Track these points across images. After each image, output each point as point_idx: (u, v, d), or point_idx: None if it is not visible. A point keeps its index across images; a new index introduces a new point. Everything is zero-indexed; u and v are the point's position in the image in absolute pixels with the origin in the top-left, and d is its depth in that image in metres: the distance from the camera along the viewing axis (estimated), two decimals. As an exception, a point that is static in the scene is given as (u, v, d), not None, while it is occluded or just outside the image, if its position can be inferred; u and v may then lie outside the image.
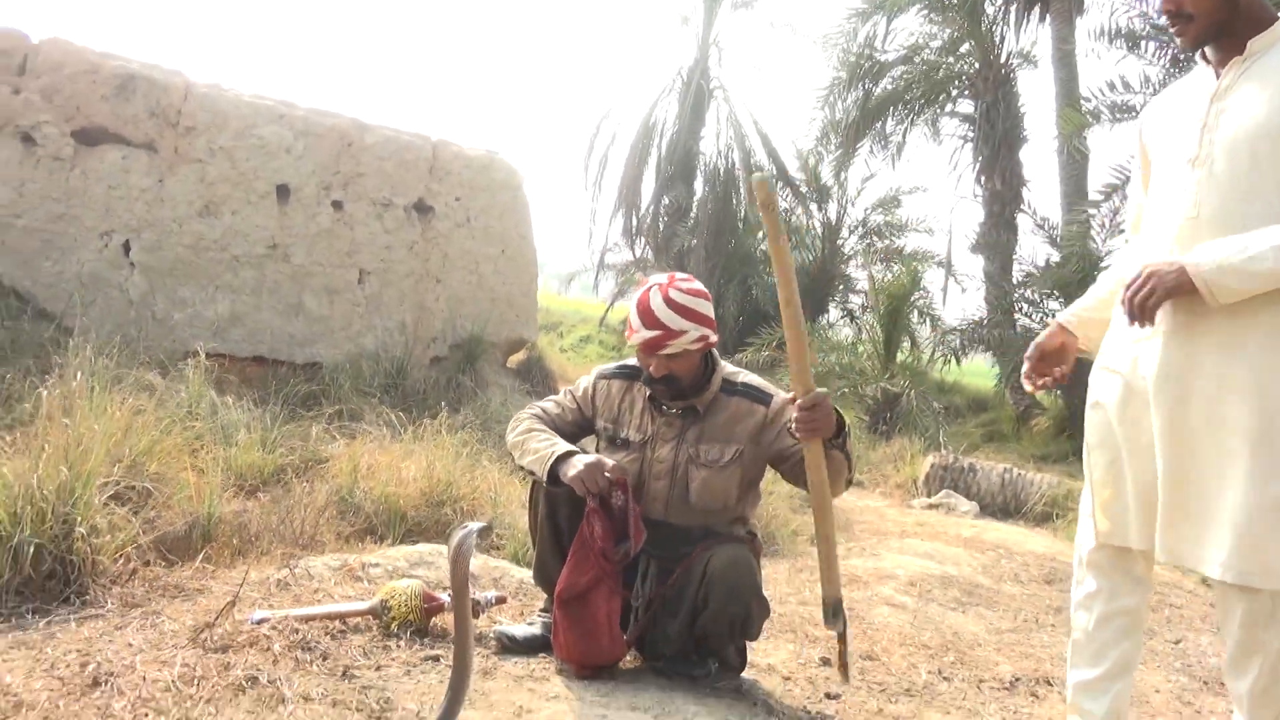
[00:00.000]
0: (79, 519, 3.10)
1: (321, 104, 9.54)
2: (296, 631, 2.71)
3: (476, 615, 3.00)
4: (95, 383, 4.21)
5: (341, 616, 2.89)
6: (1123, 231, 9.41)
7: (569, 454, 2.64)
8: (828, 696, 2.91)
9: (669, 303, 2.69)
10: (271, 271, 7.94)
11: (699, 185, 19.30)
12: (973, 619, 4.53)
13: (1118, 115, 11.77)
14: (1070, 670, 2.42)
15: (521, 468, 2.81)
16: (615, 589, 2.65)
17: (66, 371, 4.25)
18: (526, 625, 2.93)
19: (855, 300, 19.51)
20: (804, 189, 18.62)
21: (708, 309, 2.77)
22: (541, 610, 2.97)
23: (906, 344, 12.92)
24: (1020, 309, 13.60)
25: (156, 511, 3.94)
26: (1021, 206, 14.05)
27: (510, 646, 2.82)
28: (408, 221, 8.97)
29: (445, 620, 3.01)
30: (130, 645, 2.62)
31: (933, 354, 13.60)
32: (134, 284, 7.36)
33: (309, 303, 8.20)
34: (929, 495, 8.79)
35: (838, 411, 2.52)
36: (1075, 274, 11.42)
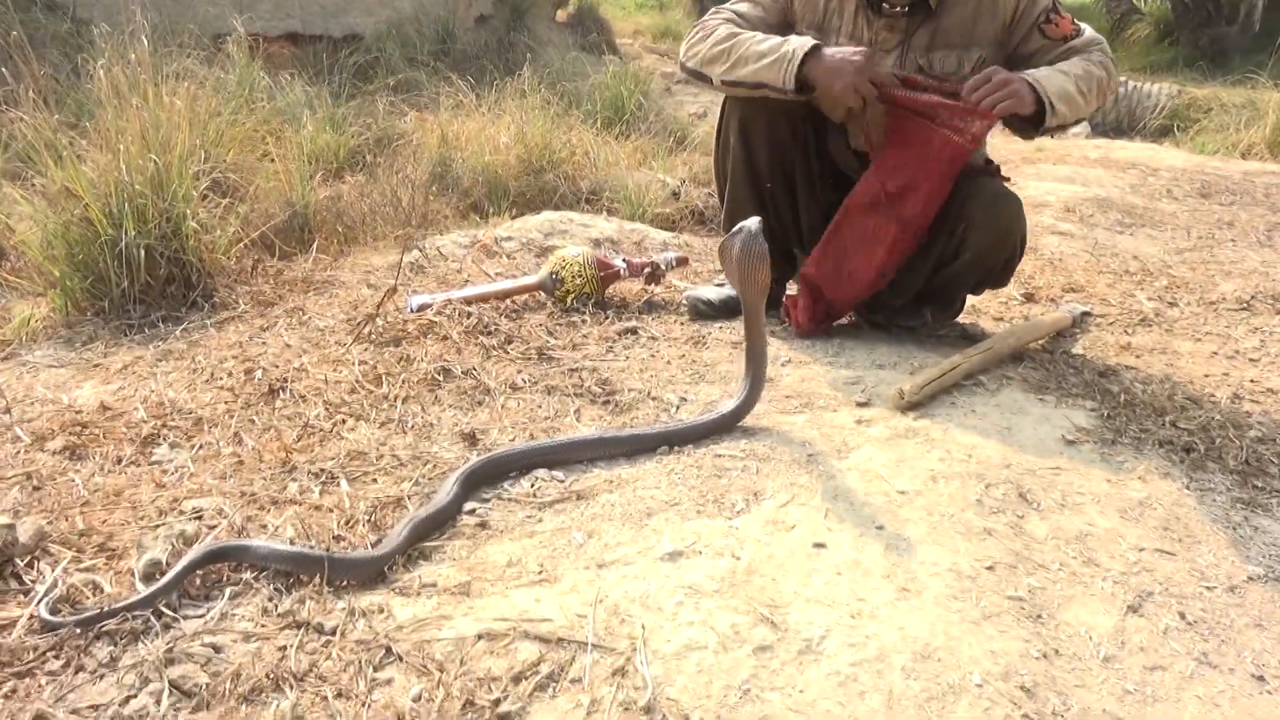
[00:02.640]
0: (185, 214, 2.69)
1: None
2: (468, 315, 2.37)
3: (658, 280, 2.62)
4: (140, 73, 3.63)
5: (508, 295, 2.54)
6: None
7: (816, 48, 2.05)
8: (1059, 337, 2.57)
9: None
10: (286, -73, 6.89)
11: None
12: (1145, 241, 4.11)
13: None
14: None
15: (732, 83, 2.16)
16: (890, 221, 2.16)
17: (106, 62, 3.66)
18: (716, 287, 2.55)
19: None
20: None
21: None
22: None
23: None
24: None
25: (249, 205, 3.52)
26: None
27: (706, 311, 2.46)
28: None
29: (621, 289, 2.64)
30: (290, 346, 2.31)
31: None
32: (140, -43, 6.42)
33: (335, -37, 7.20)
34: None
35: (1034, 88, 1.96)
36: None
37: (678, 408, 1.90)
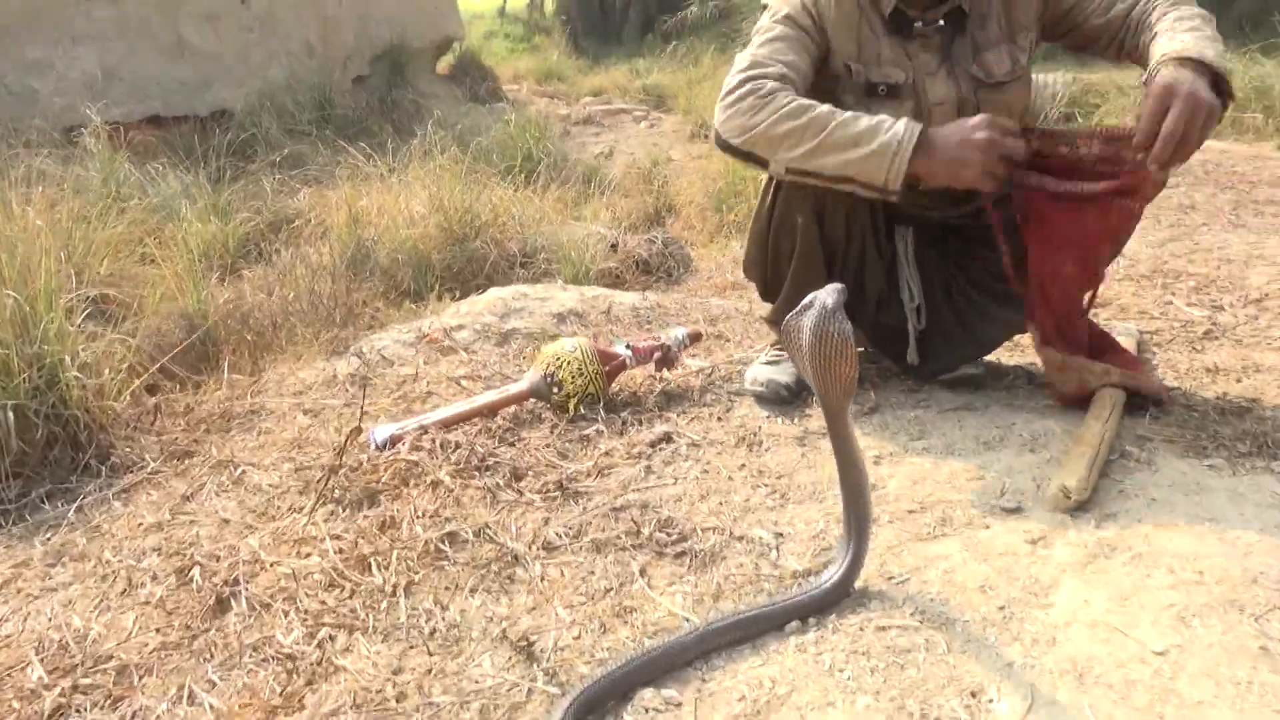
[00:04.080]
0: (60, 358, 2.12)
1: None
2: (453, 445, 1.87)
3: (671, 365, 2.17)
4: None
5: (494, 409, 2.04)
6: None
7: (924, 133, 1.59)
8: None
9: None
10: (133, 5, 6.24)
11: None
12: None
13: None
14: None
15: (802, 172, 1.66)
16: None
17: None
18: (772, 364, 2.07)
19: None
20: None
21: None
22: (774, 345, 2.13)
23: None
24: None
25: (137, 324, 2.92)
26: None
27: (786, 398, 1.99)
28: (281, -95, 7.15)
29: (625, 380, 2.18)
30: (228, 522, 1.77)
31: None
32: (-35, 50, 5.72)
33: (190, 36, 6.57)
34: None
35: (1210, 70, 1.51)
36: None
37: (776, 549, 1.44)
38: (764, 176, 1.93)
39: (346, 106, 7.30)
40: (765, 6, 1.89)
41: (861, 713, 1.06)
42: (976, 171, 1.57)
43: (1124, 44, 1.79)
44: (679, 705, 1.13)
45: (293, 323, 3.23)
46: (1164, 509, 1.41)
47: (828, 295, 1.28)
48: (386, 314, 3.30)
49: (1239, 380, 2.04)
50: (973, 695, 1.06)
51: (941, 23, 1.81)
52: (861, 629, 1.20)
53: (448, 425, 1.97)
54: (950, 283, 2.04)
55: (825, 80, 1.85)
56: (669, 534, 1.51)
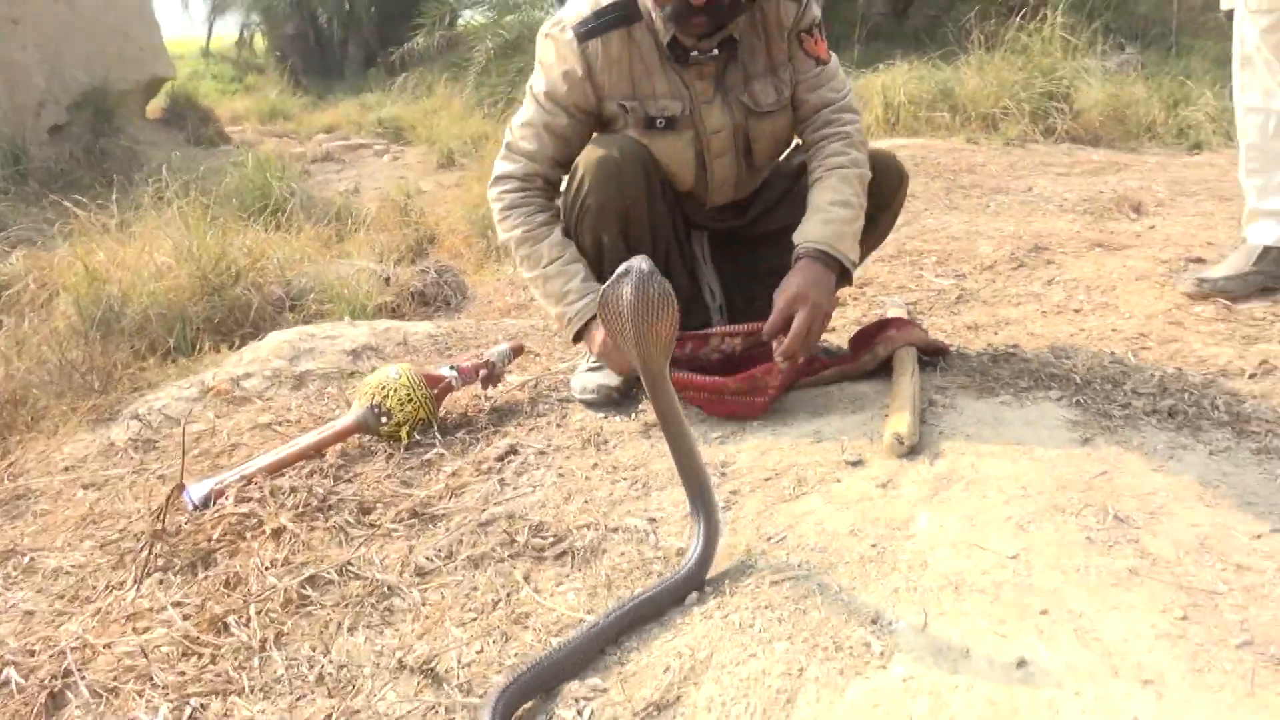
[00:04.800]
0: None
1: None
2: (287, 492, 1.76)
3: (496, 381, 2.16)
4: None
5: (320, 449, 1.94)
6: None
7: (590, 321, 1.88)
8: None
9: None
10: None
11: None
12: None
13: None
14: None
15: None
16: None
17: None
18: (596, 369, 2.09)
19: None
20: None
21: None
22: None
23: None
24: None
25: None
26: None
27: (616, 399, 2.03)
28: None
29: (454, 404, 2.14)
30: (33, 614, 1.55)
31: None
32: None
33: None
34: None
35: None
36: None
37: (654, 533, 1.49)
38: (560, 202, 2.01)
39: (46, 158, 6.58)
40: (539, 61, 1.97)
41: (782, 656, 1.12)
42: (614, 369, 1.95)
43: (804, 138, 2.03)
44: (605, 691, 1.14)
45: (36, 395, 2.87)
46: (979, 442, 1.60)
47: (641, 261, 1.34)
48: (153, 374, 3.01)
49: (995, 333, 2.35)
50: (873, 622, 1.16)
51: (716, 51, 1.91)
52: (758, 587, 1.28)
53: (272, 471, 1.85)
54: (744, 283, 2.20)
55: (606, 118, 1.96)
56: (544, 538, 1.51)
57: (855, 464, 1.58)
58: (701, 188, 2.03)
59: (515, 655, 1.25)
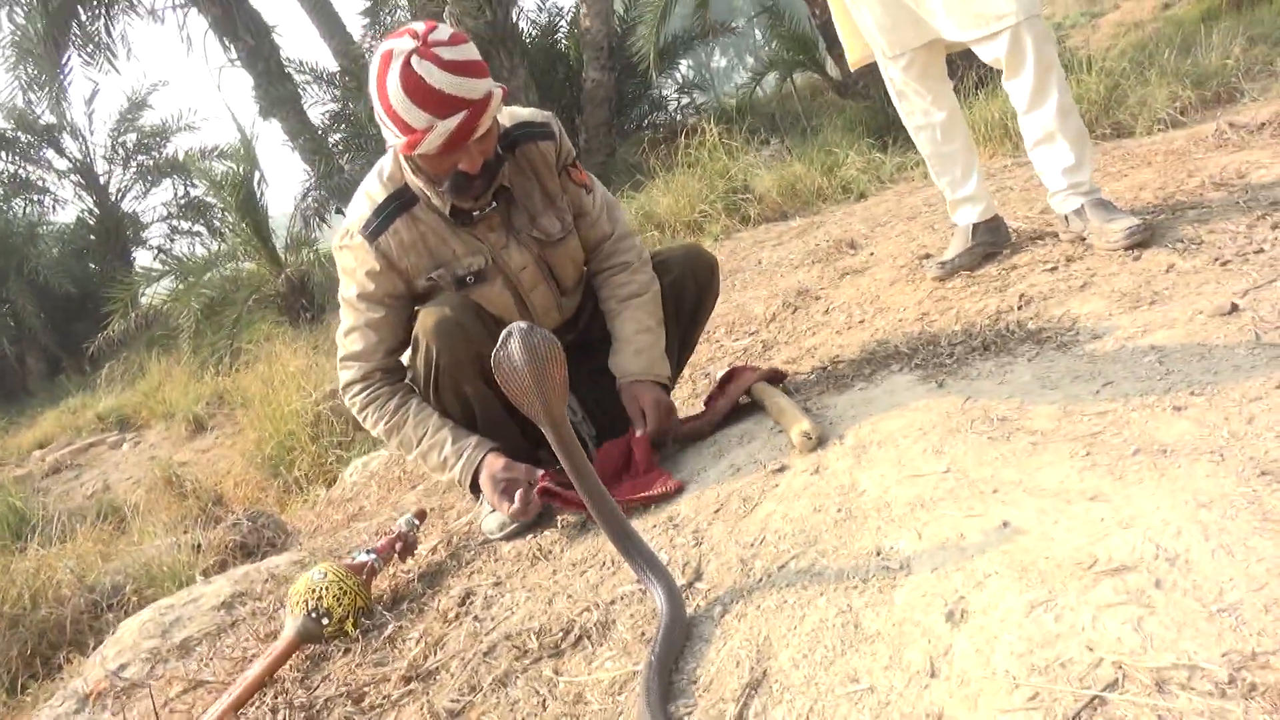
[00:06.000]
0: None
1: None
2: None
3: (413, 550, 2.18)
4: None
5: (271, 673, 1.86)
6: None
7: (476, 472, 2.07)
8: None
9: (453, 67, 1.87)
10: None
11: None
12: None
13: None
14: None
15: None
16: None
17: None
18: (490, 512, 2.17)
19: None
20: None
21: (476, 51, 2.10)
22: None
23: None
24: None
25: None
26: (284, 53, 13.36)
27: (532, 523, 2.12)
28: None
29: (378, 586, 2.13)
30: None
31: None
32: None
33: None
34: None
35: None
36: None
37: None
38: (409, 377, 2.19)
39: None
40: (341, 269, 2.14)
41: (828, 605, 1.29)
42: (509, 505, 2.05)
43: (591, 268, 2.33)
44: (694, 681, 1.24)
45: None
46: (866, 417, 1.89)
47: (516, 324, 1.46)
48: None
49: (813, 357, 2.71)
50: (878, 553, 1.37)
51: (494, 203, 2.11)
52: (766, 576, 1.44)
53: (236, 710, 1.76)
54: (597, 378, 2.40)
55: (420, 294, 2.14)
56: (553, 636, 1.58)
57: (781, 470, 1.80)
58: (530, 319, 2.22)
59: (594, 724, 1.31)
